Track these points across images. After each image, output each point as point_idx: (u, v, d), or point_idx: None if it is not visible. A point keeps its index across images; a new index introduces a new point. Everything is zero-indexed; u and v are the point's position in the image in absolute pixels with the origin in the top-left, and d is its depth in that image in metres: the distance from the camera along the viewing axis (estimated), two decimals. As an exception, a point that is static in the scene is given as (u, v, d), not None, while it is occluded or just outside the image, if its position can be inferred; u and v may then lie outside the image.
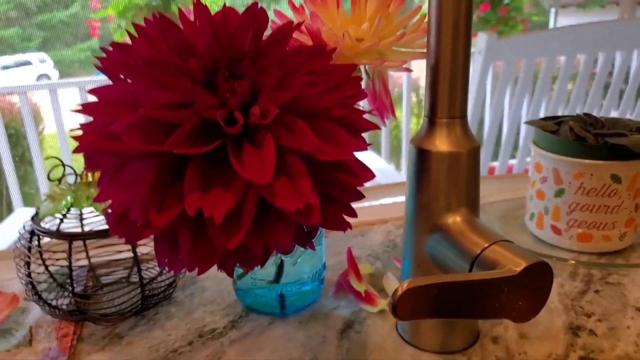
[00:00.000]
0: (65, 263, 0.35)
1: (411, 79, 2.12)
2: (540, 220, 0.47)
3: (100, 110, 0.24)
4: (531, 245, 0.47)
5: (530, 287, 0.26)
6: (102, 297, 0.40)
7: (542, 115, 1.35)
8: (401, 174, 1.90)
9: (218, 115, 0.24)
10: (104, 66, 0.26)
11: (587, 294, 0.41)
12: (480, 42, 1.12)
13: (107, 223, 0.26)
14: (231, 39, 0.27)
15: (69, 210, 0.34)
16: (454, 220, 0.30)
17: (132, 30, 0.27)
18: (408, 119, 2.12)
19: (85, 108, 0.24)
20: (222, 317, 0.38)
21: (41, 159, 2.06)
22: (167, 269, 0.27)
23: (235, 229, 0.23)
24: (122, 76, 0.26)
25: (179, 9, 0.29)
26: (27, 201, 2.36)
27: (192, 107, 0.24)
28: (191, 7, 0.27)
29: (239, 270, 0.37)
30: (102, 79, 2.29)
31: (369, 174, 0.27)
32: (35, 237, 0.35)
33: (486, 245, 0.27)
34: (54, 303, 0.36)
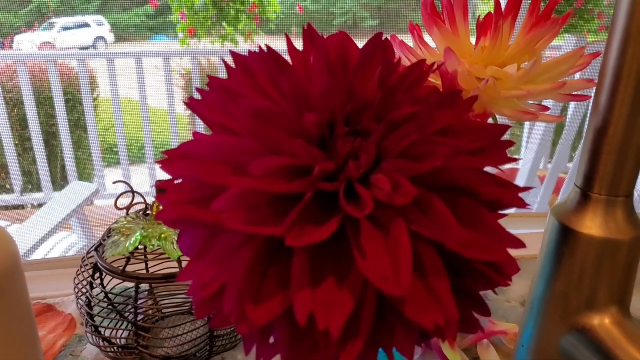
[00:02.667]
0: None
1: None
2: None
3: (195, 169, 0.20)
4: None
5: None
6: (161, 331, 0.37)
7: None
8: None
9: (340, 189, 0.19)
10: (199, 110, 0.21)
11: None
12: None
13: (189, 294, 0.21)
14: (352, 82, 0.22)
15: (136, 248, 0.30)
16: (601, 321, 0.24)
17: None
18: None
19: (173, 165, 0.20)
20: (293, 372, 0.34)
21: (95, 125, 2.09)
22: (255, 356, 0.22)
23: (350, 339, 0.19)
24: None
25: (286, 36, 0.24)
26: (79, 166, 2.41)
27: (305, 175, 0.19)
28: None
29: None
30: (156, 50, 2.27)
31: (515, 267, 0.21)
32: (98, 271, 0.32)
33: (652, 367, 0.22)
34: (114, 341, 0.33)
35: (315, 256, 0.19)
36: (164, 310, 0.35)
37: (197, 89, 0.21)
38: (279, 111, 0.20)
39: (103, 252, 0.30)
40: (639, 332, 0.23)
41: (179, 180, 0.21)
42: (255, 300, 0.19)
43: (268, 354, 0.22)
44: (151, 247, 0.30)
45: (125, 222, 0.31)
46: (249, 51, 0.22)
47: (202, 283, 0.20)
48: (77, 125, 2.38)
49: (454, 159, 0.20)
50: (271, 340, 0.22)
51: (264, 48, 0.22)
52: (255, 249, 0.20)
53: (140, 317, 0.35)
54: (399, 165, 0.20)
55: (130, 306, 0.31)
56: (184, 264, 0.32)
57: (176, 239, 0.29)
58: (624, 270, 0.24)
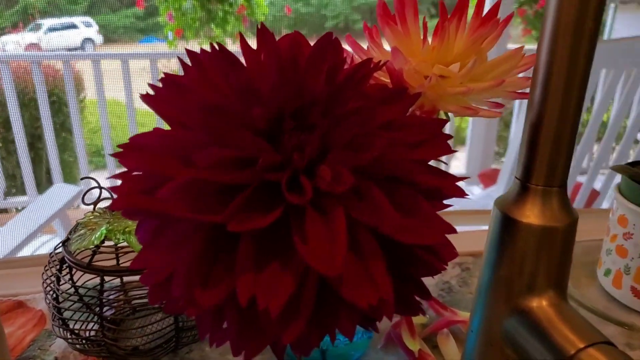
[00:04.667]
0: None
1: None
2: (618, 279, 0.42)
3: (146, 161, 0.21)
4: (603, 305, 0.42)
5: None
6: (133, 324, 0.37)
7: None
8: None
9: (283, 179, 0.20)
10: (154, 105, 0.22)
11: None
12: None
13: (142, 281, 0.22)
14: (301, 80, 0.23)
15: (102, 242, 0.31)
16: (540, 304, 0.25)
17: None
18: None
19: (127, 158, 0.21)
20: (259, 362, 0.35)
21: (81, 128, 2.08)
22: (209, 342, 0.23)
23: (291, 320, 0.20)
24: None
25: (240, 35, 0.25)
26: (65, 169, 2.40)
27: (252, 166, 0.21)
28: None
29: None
30: (142, 52, 2.28)
31: (453, 253, 0.23)
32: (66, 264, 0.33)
33: (582, 346, 0.23)
34: (82, 334, 0.34)
35: (260, 243, 0.20)
36: (133, 303, 0.36)
37: (150, 85, 0.22)
38: (228, 105, 0.21)
39: (70, 247, 0.31)
40: (573, 313, 0.25)
41: (137, 173, 0.22)
42: (203, 285, 0.20)
43: (221, 339, 0.23)
44: (116, 240, 0.30)
45: (92, 217, 0.32)
46: (201, 49, 0.23)
47: (153, 270, 0.21)
48: (63, 128, 2.37)
49: (393, 150, 0.21)
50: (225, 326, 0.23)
51: (216, 47, 0.23)
52: (204, 238, 0.21)
53: (110, 310, 0.36)
54: (342, 156, 0.21)
55: (97, 299, 0.32)
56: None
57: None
58: (560, 255, 0.25)
